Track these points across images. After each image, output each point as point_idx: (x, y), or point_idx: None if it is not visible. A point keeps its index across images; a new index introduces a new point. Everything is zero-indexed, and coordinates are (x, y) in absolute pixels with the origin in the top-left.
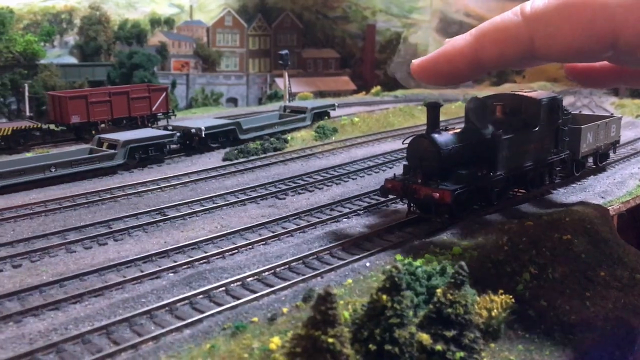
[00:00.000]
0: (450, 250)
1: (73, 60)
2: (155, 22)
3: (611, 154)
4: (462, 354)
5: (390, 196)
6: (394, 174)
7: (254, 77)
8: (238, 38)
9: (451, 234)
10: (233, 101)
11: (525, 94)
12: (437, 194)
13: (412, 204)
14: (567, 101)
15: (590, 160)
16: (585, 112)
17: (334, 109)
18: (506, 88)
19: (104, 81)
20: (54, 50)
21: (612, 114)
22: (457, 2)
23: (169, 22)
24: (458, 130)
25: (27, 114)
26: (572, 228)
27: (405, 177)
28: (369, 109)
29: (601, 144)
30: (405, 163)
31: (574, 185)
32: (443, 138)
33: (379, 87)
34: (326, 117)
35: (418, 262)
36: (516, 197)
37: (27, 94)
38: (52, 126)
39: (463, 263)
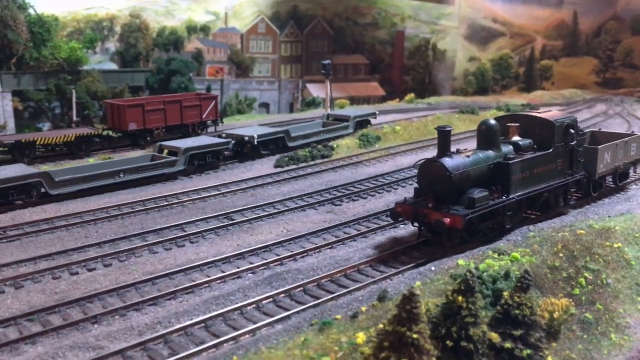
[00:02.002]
0: (508, 255)
1: (114, 66)
2: (191, 29)
3: (631, 173)
4: (528, 351)
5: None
6: (405, 198)
7: (286, 83)
8: (271, 44)
9: (507, 241)
10: (265, 106)
11: (539, 114)
12: (448, 219)
13: (422, 228)
14: (598, 109)
15: (610, 179)
16: (617, 120)
17: (375, 117)
18: (537, 95)
19: (143, 87)
20: (96, 57)
21: (632, 131)
22: (485, 8)
23: (204, 29)
24: (470, 153)
25: (74, 118)
26: (623, 236)
27: (416, 201)
28: (406, 117)
29: (620, 163)
30: (417, 186)
31: (618, 195)
32: (454, 162)
33: (412, 95)
34: (368, 125)
35: (482, 267)
36: (530, 219)
37: (74, 99)
38: (110, 133)
39: (528, 268)
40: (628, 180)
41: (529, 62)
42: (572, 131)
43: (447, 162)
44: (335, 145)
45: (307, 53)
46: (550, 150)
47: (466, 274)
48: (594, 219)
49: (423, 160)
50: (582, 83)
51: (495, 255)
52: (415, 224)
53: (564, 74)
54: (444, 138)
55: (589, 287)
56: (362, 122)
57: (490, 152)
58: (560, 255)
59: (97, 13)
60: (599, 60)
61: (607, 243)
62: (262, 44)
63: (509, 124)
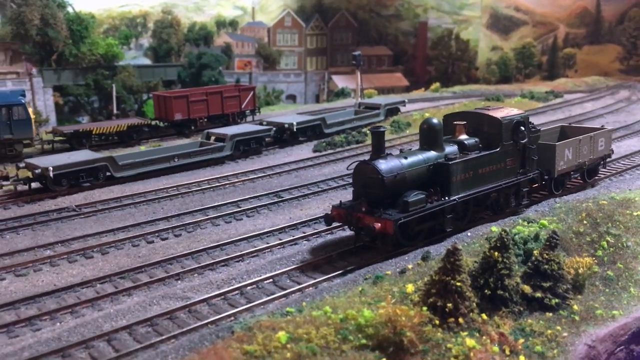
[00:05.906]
0: (536, 223)
1: (147, 61)
2: (220, 24)
3: (601, 169)
4: (557, 300)
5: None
6: (340, 201)
7: (312, 75)
8: (297, 37)
9: (535, 211)
10: (292, 98)
11: (486, 112)
12: (379, 224)
13: (360, 232)
14: (621, 95)
15: (578, 176)
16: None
17: (404, 105)
18: (561, 83)
19: (175, 81)
20: (130, 52)
21: (602, 125)
22: None
23: (233, 23)
24: (409, 154)
25: (115, 111)
26: None
27: (351, 205)
28: (433, 105)
29: (585, 159)
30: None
31: (639, 171)
32: (388, 164)
33: (438, 84)
34: (398, 113)
35: (514, 232)
36: (480, 219)
37: (114, 93)
38: (158, 122)
39: (556, 229)
40: (597, 177)
41: (551, 51)
42: (523, 129)
43: (380, 164)
44: (368, 132)
45: (332, 45)
46: (498, 149)
47: (501, 232)
48: (615, 192)
49: (357, 162)
50: (606, 70)
51: (525, 223)
52: (352, 228)
53: (587, 62)
54: (378, 139)
55: (611, 249)
56: (392, 110)
57: (432, 153)
58: (585, 222)
59: (131, 10)
60: (622, 47)
61: (627, 211)
62: (289, 37)
63: (455, 122)
